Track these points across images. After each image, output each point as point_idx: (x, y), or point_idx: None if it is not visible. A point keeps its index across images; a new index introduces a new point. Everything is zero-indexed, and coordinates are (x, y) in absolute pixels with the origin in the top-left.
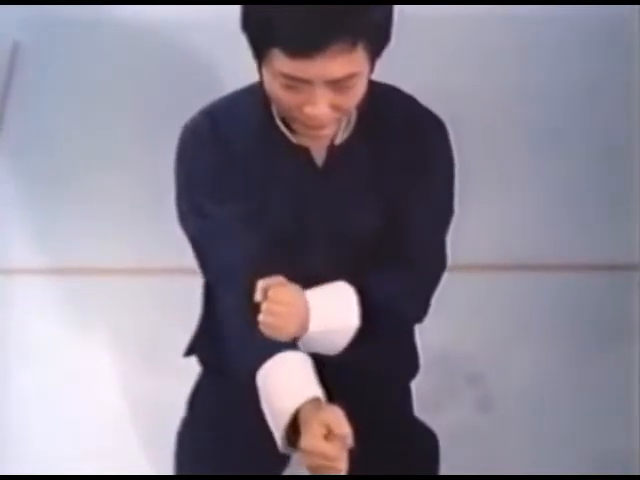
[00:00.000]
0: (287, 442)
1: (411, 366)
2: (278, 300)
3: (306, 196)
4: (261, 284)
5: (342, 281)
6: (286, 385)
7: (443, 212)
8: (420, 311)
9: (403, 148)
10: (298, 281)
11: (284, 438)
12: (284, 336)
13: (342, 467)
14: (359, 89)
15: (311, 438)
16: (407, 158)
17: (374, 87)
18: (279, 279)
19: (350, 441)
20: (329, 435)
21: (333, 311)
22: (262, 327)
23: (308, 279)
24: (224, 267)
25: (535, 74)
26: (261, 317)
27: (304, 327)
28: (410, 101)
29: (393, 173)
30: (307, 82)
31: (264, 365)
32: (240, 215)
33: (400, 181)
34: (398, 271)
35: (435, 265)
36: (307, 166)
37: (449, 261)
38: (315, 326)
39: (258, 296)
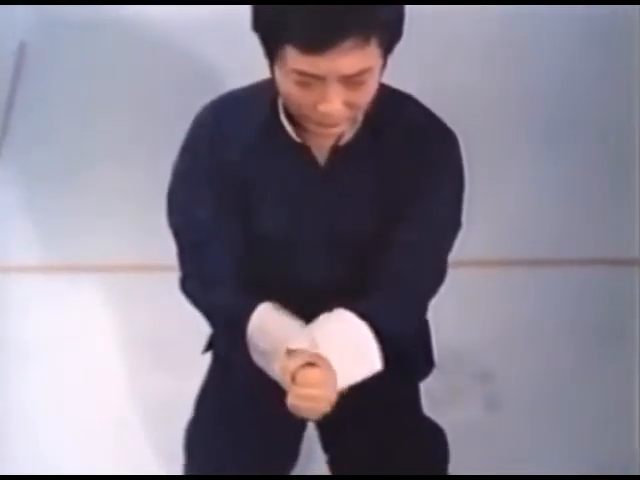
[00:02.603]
0: None
1: (425, 366)
2: (309, 384)
3: (306, 195)
4: (290, 368)
5: (363, 323)
6: (277, 330)
7: (446, 224)
8: (419, 322)
9: (409, 155)
10: (296, 281)
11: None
12: (319, 416)
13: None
14: (371, 85)
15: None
16: (412, 166)
17: (387, 92)
18: (303, 357)
19: None
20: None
21: (358, 368)
22: (295, 411)
23: (305, 278)
24: (200, 267)
25: (535, 73)
26: (294, 401)
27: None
28: (423, 111)
29: (397, 180)
30: (320, 78)
31: (248, 335)
32: (231, 214)
33: (403, 188)
34: (398, 289)
35: (433, 279)
36: (309, 165)
37: (455, 258)
38: (342, 385)
39: (286, 380)
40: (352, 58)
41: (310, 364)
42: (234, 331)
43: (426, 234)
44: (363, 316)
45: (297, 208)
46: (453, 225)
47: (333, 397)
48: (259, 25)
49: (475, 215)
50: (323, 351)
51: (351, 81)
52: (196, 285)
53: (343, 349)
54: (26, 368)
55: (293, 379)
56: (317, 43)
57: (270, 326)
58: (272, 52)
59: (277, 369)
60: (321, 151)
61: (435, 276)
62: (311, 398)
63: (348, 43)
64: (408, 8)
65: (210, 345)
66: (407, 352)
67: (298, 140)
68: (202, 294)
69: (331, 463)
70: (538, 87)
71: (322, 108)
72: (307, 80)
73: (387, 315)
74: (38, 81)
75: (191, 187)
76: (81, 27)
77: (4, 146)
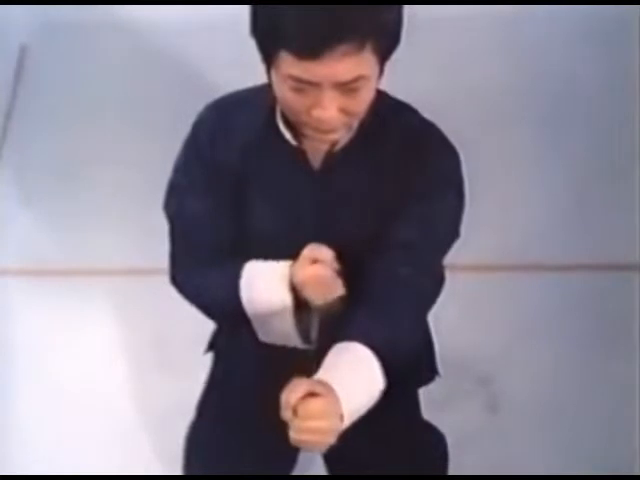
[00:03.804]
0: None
1: (428, 374)
2: (311, 416)
3: (300, 197)
4: (290, 401)
5: (360, 345)
6: (264, 285)
7: (443, 234)
8: (420, 331)
9: (405, 160)
10: None
11: (296, 324)
12: (325, 448)
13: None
14: (367, 93)
15: (300, 270)
16: (409, 170)
17: (384, 98)
18: (302, 387)
19: (335, 264)
20: (316, 261)
21: (362, 392)
22: (298, 445)
23: None
24: (192, 255)
25: (535, 74)
26: (297, 436)
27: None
28: (420, 118)
29: (392, 183)
30: (315, 85)
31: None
32: (226, 209)
33: (399, 191)
34: (392, 301)
35: (431, 281)
36: (303, 169)
37: (455, 262)
38: (347, 410)
39: (287, 414)
40: (347, 64)
41: (312, 394)
42: (229, 309)
43: (423, 234)
44: (363, 340)
45: (292, 209)
46: (450, 234)
47: (338, 426)
48: (255, 29)
49: (475, 219)
50: (325, 377)
51: (346, 88)
52: (186, 276)
53: (345, 373)
54: (27, 369)
55: (295, 412)
56: (311, 48)
57: (262, 271)
58: (268, 57)
59: (279, 325)
60: (316, 155)
61: (433, 278)
62: (315, 431)
63: (342, 48)
64: (409, 9)
65: (212, 345)
66: (408, 364)
67: (294, 144)
68: (196, 279)
69: (330, 467)
70: (538, 89)
71: (316, 114)
72: (302, 86)
73: (387, 335)
74: (38, 83)
75: (189, 179)
76: (82, 29)
77: (4, 148)
